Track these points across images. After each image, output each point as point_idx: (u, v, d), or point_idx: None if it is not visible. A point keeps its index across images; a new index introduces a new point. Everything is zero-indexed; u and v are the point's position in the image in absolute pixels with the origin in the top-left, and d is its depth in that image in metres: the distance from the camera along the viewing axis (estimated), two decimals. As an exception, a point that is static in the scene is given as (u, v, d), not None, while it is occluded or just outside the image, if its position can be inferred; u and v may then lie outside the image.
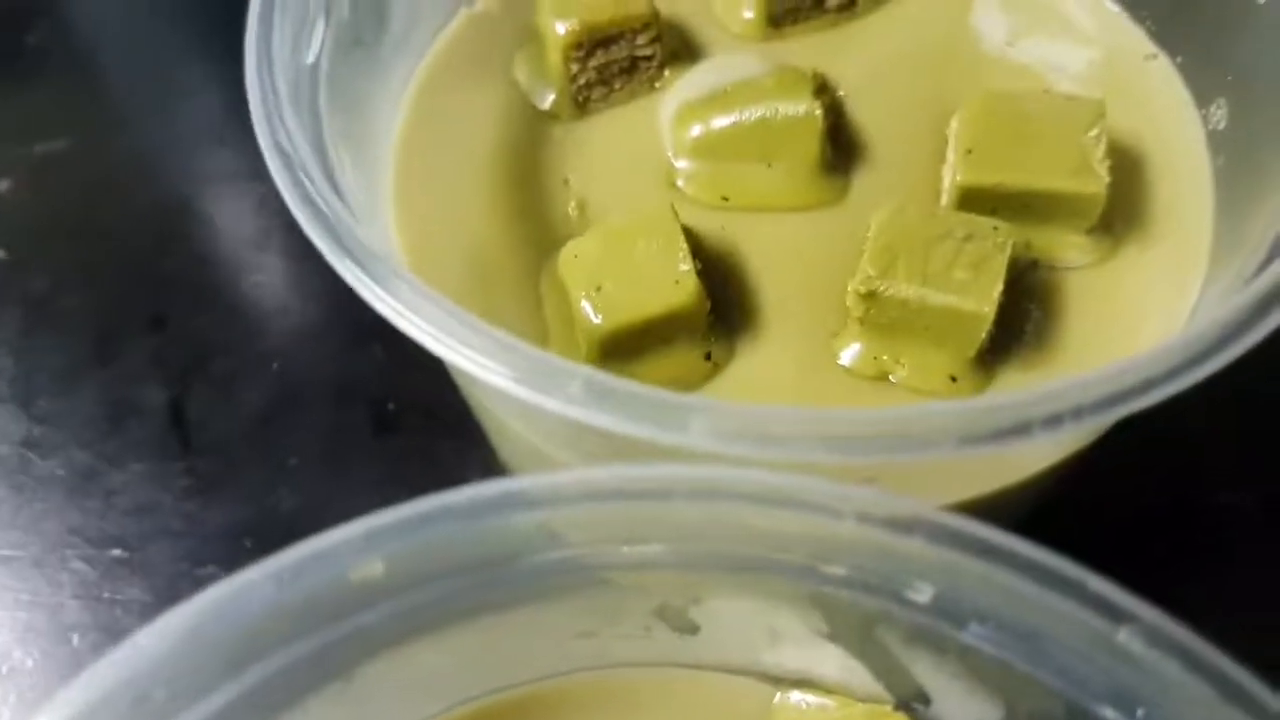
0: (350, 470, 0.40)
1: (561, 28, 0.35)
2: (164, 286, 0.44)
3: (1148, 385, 0.22)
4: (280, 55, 0.29)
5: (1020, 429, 0.22)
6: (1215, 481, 0.38)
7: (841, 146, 0.35)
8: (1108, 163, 0.32)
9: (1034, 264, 0.32)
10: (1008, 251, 0.30)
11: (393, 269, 0.25)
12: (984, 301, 0.29)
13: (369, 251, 0.25)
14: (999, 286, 0.29)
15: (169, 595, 0.38)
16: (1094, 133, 0.32)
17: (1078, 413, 0.22)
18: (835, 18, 0.37)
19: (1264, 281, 0.24)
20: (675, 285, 0.30)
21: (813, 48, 0.37)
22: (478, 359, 0.23)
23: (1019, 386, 0.31)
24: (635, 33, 0.35)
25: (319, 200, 0.26)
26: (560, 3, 0.35)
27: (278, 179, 0.26)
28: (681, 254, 0.31)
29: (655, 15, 0.35)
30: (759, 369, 0.32)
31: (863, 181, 0.34)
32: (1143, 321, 0.31)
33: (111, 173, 0.47)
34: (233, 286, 0.43)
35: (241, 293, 0.43)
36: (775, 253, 0.33)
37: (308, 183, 0.26)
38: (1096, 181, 0.31)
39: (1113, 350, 0.31)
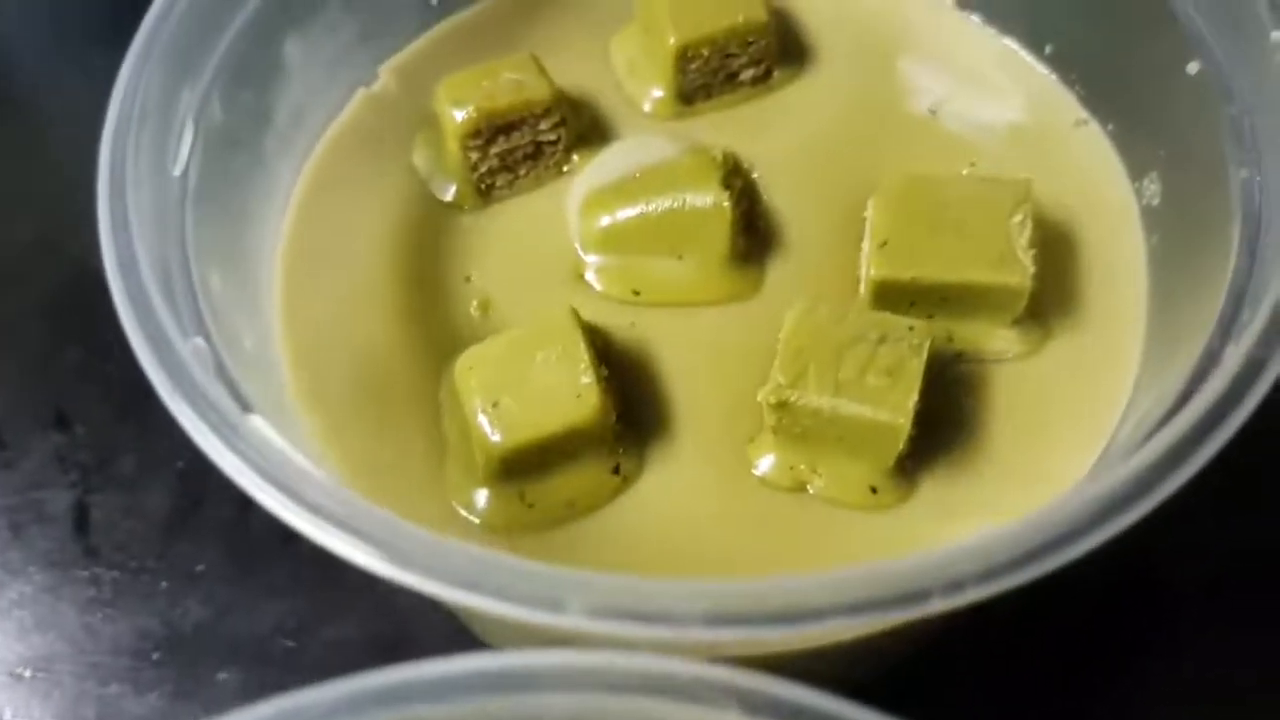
0: (259, 575, 0.38)
1: (458, 115, 0.33)
2: (65, 380, 0.42)
3: (1059, 543, 0.20)
4: (139, 170, 0.27)
5: (918, 597, 0.20)
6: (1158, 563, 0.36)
7: (756, 234, 0.33)
8: (1033, 251, 0.30)
9: (958, 356, 0.31)
10: (924, 355, 0.28)
11: (239, 425, 0.23)
12: (899, 412, 0.27)
13: (216, 410, 0.23)
14: (914, 395, 0.27)
15: (73, 718, 0.36)
16: (1018, 218, 0.30)
17: (984, 578, 0.20)
18: (750, 91, 0.35)
19: (1187, 418, 0.22)
20: (577, 399, 0.29)
21: (727, 124, 0.35)
22: (331, 531, 0.22)
23: (943, 496, 0.29)
24: (537, 118, 0.33)
25: (177, 347, 0.25)
26: (455, 88, 0.33)
27: (130, 333, 0.24)
28: (583, 365, 0.29)
29: (557, 98, 0.33)
30: (670, 482, 0.30)
31: (779, 271, 0.32)
32: (1075, 418, 0.30)
33: (9, 260, 0.44)
34: (135, 379, 0.41)
35: (144, 386, 0.41)
36: (688, 351, 0.31)
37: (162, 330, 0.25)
38: (1021, 272, 0.30)
39: (1043, 451, 0.29)
